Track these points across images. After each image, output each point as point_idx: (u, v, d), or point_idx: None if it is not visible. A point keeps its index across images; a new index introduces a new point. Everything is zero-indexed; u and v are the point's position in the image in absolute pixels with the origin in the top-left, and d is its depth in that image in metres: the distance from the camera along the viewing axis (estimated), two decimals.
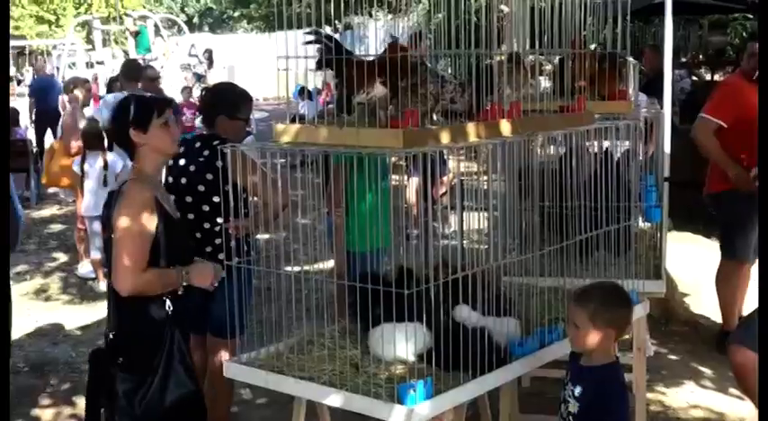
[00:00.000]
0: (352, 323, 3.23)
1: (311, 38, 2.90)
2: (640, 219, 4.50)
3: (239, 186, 3.16)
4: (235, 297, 3.11)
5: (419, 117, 2.87)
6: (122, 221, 3.13)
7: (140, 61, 11.80)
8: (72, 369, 5.74)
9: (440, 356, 2.88)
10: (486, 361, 2.92)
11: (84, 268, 8.00)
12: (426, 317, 2.87)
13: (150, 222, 3.15)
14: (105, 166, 7.26)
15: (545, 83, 4.05)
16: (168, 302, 3.19)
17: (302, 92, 13.37)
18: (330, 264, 3.25)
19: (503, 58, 3.33)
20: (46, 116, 12.78)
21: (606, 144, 3.90)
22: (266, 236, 3.76)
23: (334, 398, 2.86)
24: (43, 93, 13.32)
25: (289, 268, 3.15)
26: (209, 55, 18.20)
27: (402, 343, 2.94)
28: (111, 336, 3.26)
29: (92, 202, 7.36)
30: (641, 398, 4.00)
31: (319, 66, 2.95)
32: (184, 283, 3.18)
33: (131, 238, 3.13)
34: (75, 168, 7.49)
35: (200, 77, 15.26)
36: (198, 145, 4.02)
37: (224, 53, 24.74)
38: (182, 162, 4.06)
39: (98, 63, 17.17)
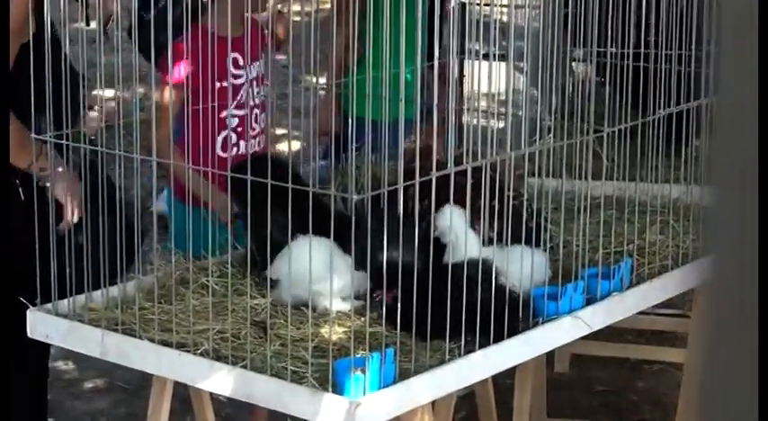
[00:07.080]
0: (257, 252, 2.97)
1: None
2: None
3: None
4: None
5: None
6: None
7: None
8: None
9: (410, 313, 2.63)
10: (491, 324, 2.69)
11: None
12: (387, 242, 2.58)
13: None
14: None
15: None
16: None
17: None
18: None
19: None
20: None
21: None
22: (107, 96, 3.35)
23: (222, 381, 2.61)
24: None
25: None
26: None
27: (335, 278, 2.69)
28: None
29: None
30: None
31: None
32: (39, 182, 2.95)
33: None
34: None
35: None
36: None
37: None
38: None
39: None
